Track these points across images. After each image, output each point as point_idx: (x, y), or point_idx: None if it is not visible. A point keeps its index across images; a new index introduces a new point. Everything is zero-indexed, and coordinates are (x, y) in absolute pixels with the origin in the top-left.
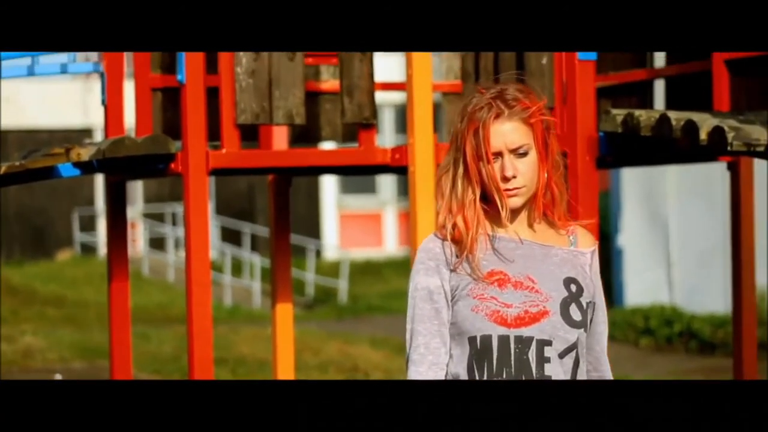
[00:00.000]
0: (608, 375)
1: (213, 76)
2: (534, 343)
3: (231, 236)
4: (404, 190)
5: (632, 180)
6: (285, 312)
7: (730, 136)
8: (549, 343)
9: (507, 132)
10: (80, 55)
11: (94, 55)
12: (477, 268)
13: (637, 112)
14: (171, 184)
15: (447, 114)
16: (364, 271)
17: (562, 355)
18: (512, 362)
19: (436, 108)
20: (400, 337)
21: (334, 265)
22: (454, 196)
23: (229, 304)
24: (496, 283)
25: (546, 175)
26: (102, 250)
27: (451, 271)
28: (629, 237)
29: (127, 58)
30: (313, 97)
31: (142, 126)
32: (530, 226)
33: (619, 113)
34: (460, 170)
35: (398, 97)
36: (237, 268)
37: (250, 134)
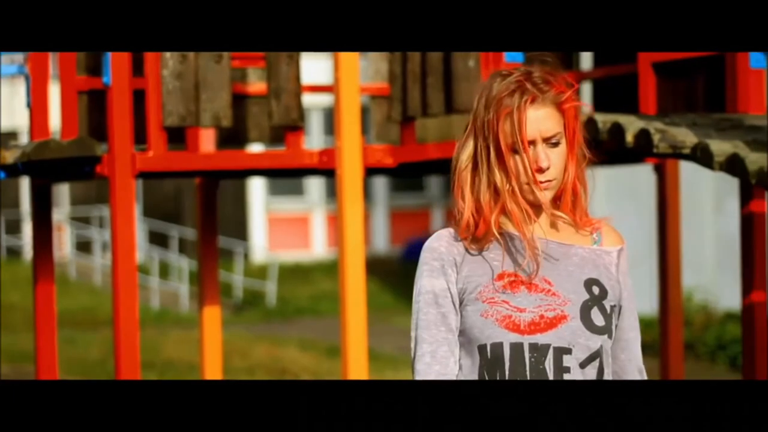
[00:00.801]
0: None
1: (139, 78)
2: (551, 351)
3: (158, 239)
4: (333, 192)
5: None
6: (213, 315)
7: (656, 138)
8: (568, 351)
9: (541, 119)
10: (5, 57)
11: (19, 57)
12: (533, 257)
13: None
14: (98, 187)
15: (374, 116)
16: (292, 273)
17: (583, 365)
18: (527, 373)
19: (364, 111)
20: (329, 340)
21: (263, 268)
22: (488, 192)
23: (156, 307)
24: (508, 285)
25: (572, 161)
26: (28, 253)
27: (458, 272)
28: None
29: (53, 60)
30: (240, 100)
31: (67, 129)
32: (552, 224)
33: None
34: (493, 162)
35: (326, 99)
36: (164, 271)
37: (177, 137)
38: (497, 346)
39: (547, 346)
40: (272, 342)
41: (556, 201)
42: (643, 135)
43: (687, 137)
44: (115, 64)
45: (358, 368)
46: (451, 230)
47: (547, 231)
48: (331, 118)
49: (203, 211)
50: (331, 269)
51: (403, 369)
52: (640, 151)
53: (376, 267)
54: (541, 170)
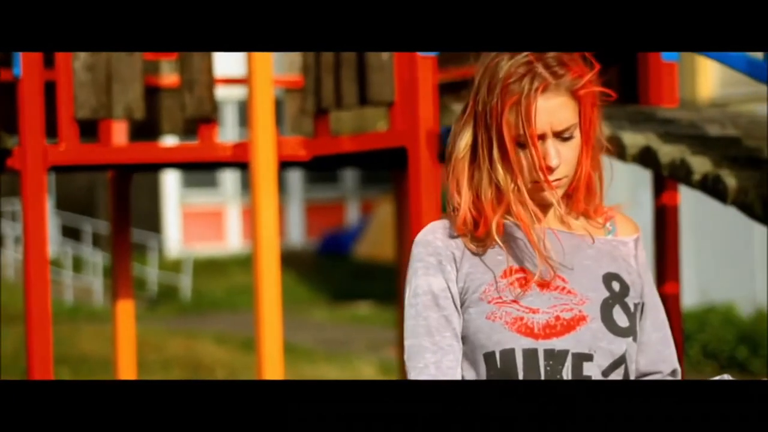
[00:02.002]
0: None
1: (51, 70)
2: (569, 358)
3: (72, 233)
4: (247, 185)
5: None
6: (126, 309)
7: None
8: (589, 357)
9: (554, 109)
10: None
11: None
12: (545, 261)
13: None
14: (9, 180)
15: (288, 109)
16: (207, 267)
17: (606, 373)
18: None
19: (278, 103)
20: (245, 333)
21: (177, 262)
22: (489, 189)
23: (70, 301)
24: (516, 283)
25: (587, 154)
26: None
27: (458, 269)
28: None
29: None
30: (153, 92)
31: None
32: (560, 217)
33: (459, 108)
34: (496, 157)
35: (241, 92)
36: (78, 266)
37: (90, 129)
38: (508, 354)
39: (564, 353)
40: (187, 336)
41: (568, 195)
42: None
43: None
44: (26, 56)
45: (272, 362)
46: (446, 222)
47: (556, 223)
48: (245, 111)
49: (116, 204)
50: (247, 263)
51: (319, 363)
52: None
53: (291, 260)
54: (550, 169)
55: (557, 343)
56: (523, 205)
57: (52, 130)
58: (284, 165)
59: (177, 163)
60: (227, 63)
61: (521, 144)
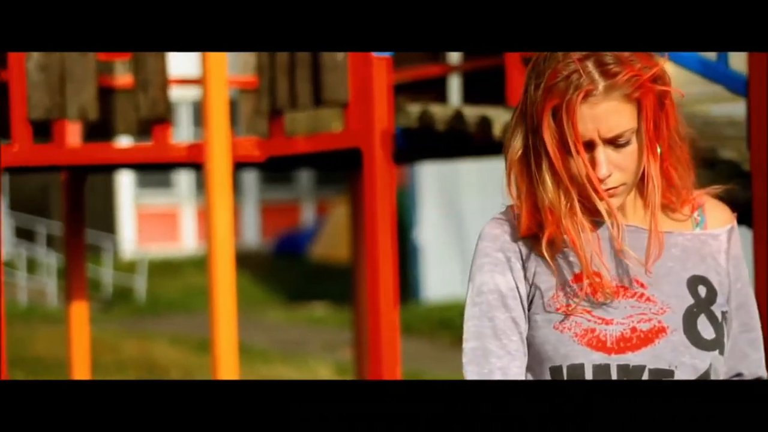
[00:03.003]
0: None
1: (3, 70)
2: (647, 374)
3: (26, 234)
4: (202, 185)
5: (430, 175)
6: (80, 311)
7: None
8: (669, 373)
9: (601, 116)
10: None
11: None
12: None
13: (432, 108)
14: None
15: (243, 109)
16: (162, 268)
17: None
18: None
19: (233, 104)
20: (200, 335)
21: (132, 263)
22: (541, 196)
23: (24, 303)
24: (588, 289)
25: (653, 160)
26: None
27: (526, 267)
28: (427, 232)
29: None
30: (107, 93)
31: None
32: (638, 209)
33: (414, 109)
34: (543, 162)
35: (196, 92)
36: (32, 267)
37: (43, 130)
38: (576, 369)
39: (641, 368)
40: (142, 337)
41: (638, 194)
42: None
43: None
44: None
45: (227, 362)
46: (511, 216)
47: (635, 218)
48: (199, 112)
49: (70, 205)
50: (202, 264)
51: (275, 363)
52: None
53: (246, 261)
54: (599, 180)
55: (632, 358)
56: (572, 217)
57: (5, 130)
58: (239, 166)
59: (131, 164)
60: (181, 63)
61: (568, 151)
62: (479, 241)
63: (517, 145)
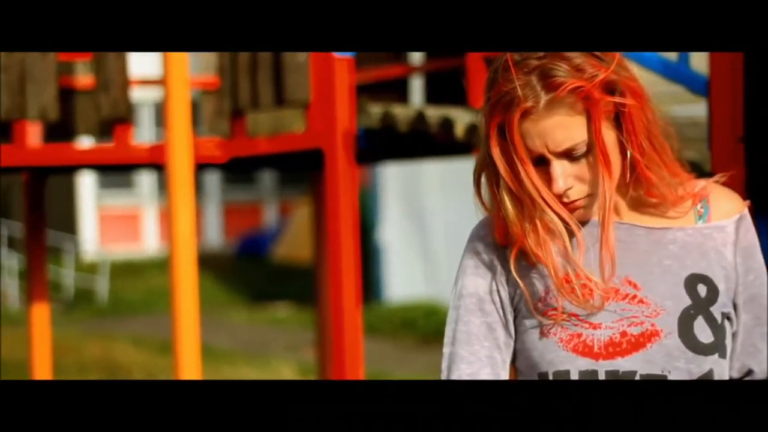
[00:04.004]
0: None
1: None
2: None
3: None
4: (164, 186)
5: (392, 176)
6: (42, 313)
7: None
8: (662, 379)
9: (547, 132)
10: None
11: None
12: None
13: (395, 108)
14: None
15: (205, 110)
16: (124, 269)
17: None
18: None
19: (194, 105)
20: (162, 336)
21: (94, 265)
22: (504, 210)
23: None
24: (576, 291)
25: (607, 176)
26: None
27: (512, 270)
28: (390, 233)
29: None
30: (68, 93)
31: None
32: (635, 201)
33: (377, 109)
34: (501, 180)
35: (157, 93)
36: None
37: (3, 131)
38: (562, 375)
39: (631, 374)
40: (104, 339)
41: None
42: (473, 128)
43: None
44: None
45: (190, 364)
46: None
47: (630, 214)
48: (161, 112)
49: (31, 206)
50: (164, 265)
51: (239, 364)
52: (469, 144)
53: (209, 262)
54: (558, 195)
55: (622, 364)
56: (535, 235)
57: None
58: (201, 166)
59: (92, 165)
60: (143, 64)
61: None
62: (467, 242)
63: (479, 159)
